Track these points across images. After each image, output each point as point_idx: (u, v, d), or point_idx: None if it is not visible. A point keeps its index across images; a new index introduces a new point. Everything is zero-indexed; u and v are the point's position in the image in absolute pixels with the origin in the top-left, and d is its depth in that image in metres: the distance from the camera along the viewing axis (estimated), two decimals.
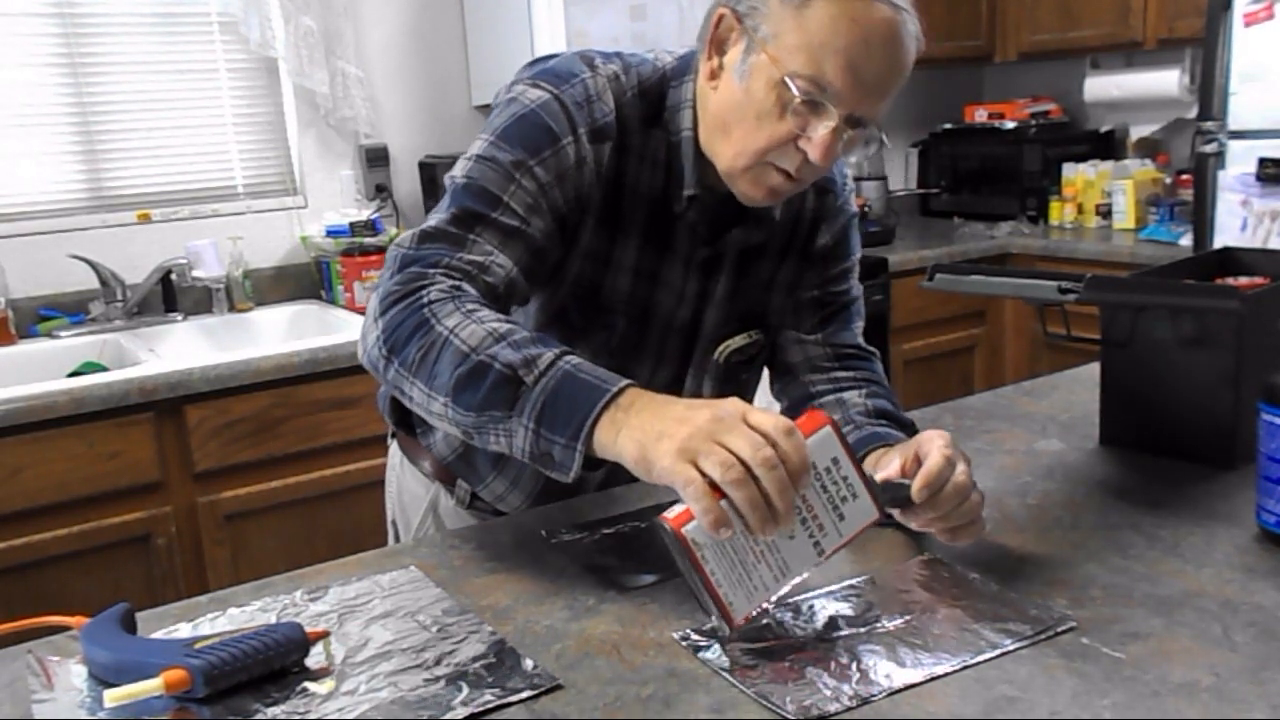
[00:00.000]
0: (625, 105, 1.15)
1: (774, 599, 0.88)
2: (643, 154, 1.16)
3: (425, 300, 0.99)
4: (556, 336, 1.03)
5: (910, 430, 1.20)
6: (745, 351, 1.28)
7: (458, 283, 1.02)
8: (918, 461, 0.99)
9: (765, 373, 1.37)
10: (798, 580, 0.88)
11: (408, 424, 1.36)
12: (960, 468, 0.98)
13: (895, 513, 0.99)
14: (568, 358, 0.94)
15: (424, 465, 1.36)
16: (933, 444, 0.99)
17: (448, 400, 0.97)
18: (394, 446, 1.42)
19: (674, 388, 1.26)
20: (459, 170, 1.11)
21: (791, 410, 1.29)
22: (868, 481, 0.90)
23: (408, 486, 1.40)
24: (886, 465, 1.01)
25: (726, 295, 1.24)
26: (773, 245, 1.26)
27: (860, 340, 1.33)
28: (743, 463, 0.81)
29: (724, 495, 0.81)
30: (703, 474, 0.82)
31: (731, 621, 0.86)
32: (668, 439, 0.84)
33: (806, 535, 0.87)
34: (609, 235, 1.17)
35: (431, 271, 1.02)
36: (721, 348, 1.26)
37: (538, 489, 1.28)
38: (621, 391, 0.90)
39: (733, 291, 1.25)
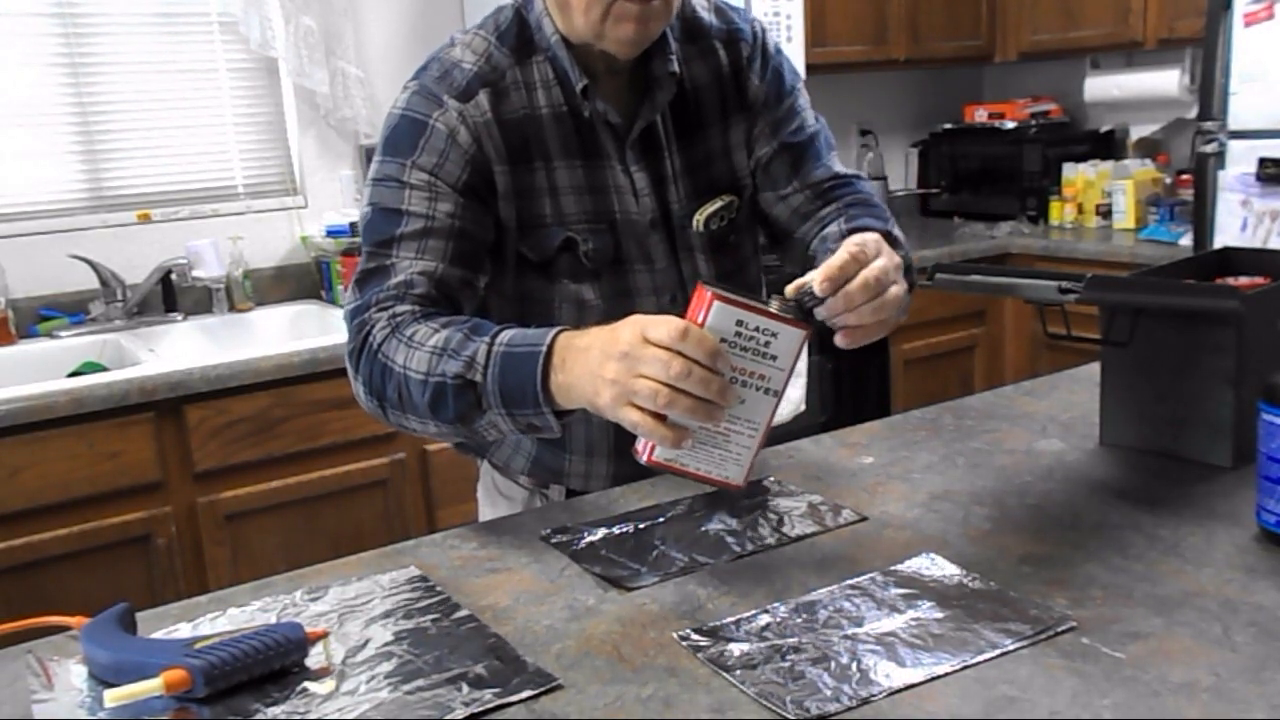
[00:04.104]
0: (491, 54, 1.20)
1: (758, 451, 0.98)
2: (526, 83, 1.20)
3: (375, 345, 1.10)
4: (542, 284, 1.20)
5: (889, 238, 1.20)
6: (723, 214, 1.30)
7: (393, 311, 1.11)
8: None
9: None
10: (781, 418, 0.94)
11: (474, 449, 1.39)
12: (877, 264, 0.97)
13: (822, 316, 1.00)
14: (500, 338, 1.04)
15: (521, 480, 1.38)
16: (847, 243, 0.99)
17: (435, 422, 1.08)
18: (485, 467, 1.43)
19: (675, 286, 1.28)
20: (364, 200, 1.20)
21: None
22: (778, 315, 0.94)
23: (501, 502, 1.41)
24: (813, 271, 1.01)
25: (683, 171, 1.27)
26: (709, 113, 1.29)
27: (836, 168, 1.33)
28: (664, 383, 0.89)
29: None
30: (641, 409, 0.91)
31: (735, 487, 0.99)
32: (603, 390, 0.94)
33: (755, 390, 0.95)
34: (528, 169, 1.20)
35: (368, 315, 1.12)
36: (698, 215, 1.28)
37: (608, 449, 1.30)
38: (551, 351, 1.00)
39: (689, 167, 1.28)
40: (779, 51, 1.35)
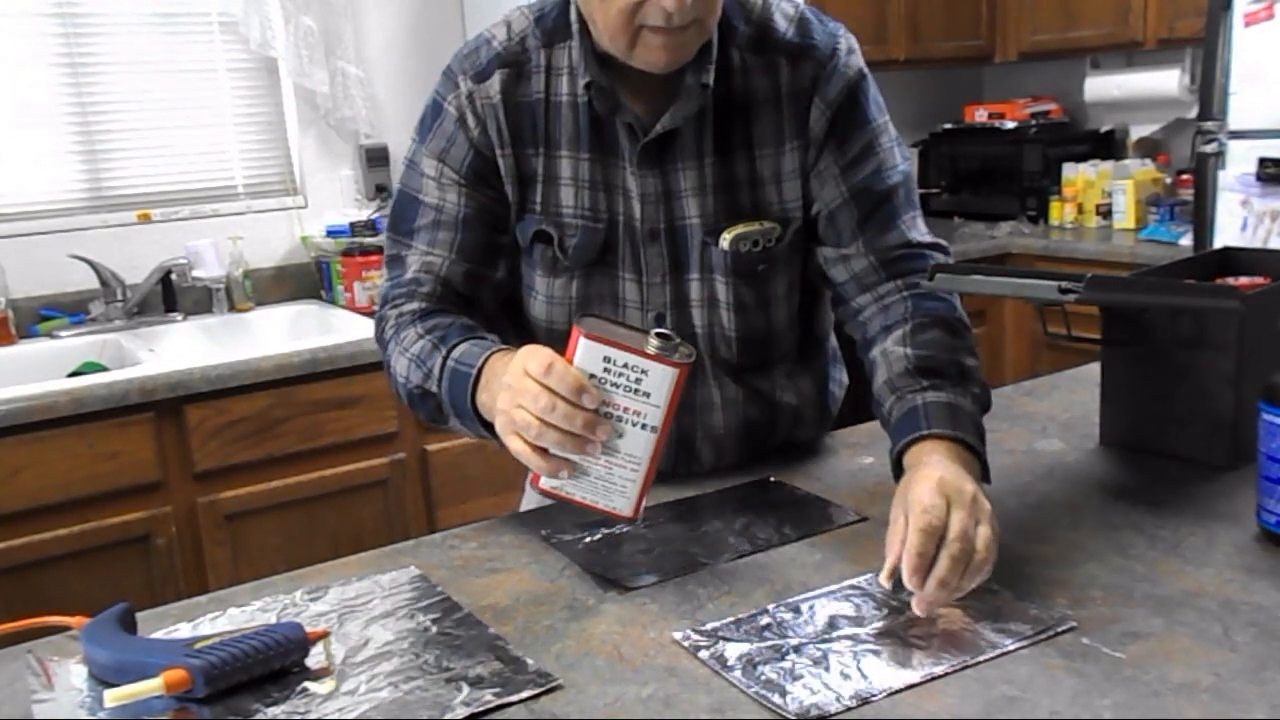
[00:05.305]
0: (526, 35, 1.19)
1: (646, 484, 0.98)
2: (552, 68, 1.18)
3: (385, 341, 1.21)
4: (527, 271, 1.24)
5: (958, 374, 1.10)
6: (756, 239, 1.19)
7: (400, 310, 1.20)
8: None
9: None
10: (656, 453, 0.96)
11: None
12: (955, 527, 0.88)
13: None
14: (453, 353, 1.10)
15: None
16: (912, 523, 0.89)
17: (420, 418, 1.20)
18: None
19: (668, 305, 1.22)
20: (399, 176, 1.26)
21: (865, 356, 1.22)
22: (648, 353, 0.93)
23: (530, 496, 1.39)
24: (892, 538, 0.92)
25: (717, 188, 1.18)
26: (764, 132, 1.18)
27: (910, 234, 1.20)
28: (535, 416, 0.93)
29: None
30: (523, 439, 0.95)
31: (624, 518, 1.00)
32: (497, 417, 0.98)
33: (631, 425, 0.95)
34: (527, 154, 1.19)
35: (384, 311, 1.22)
36: (726, 233, 1.19)
37: None
38: (480, 373, 1.07)
39: (726, 184, 1.19)
40: (865, 78, 1.20)
